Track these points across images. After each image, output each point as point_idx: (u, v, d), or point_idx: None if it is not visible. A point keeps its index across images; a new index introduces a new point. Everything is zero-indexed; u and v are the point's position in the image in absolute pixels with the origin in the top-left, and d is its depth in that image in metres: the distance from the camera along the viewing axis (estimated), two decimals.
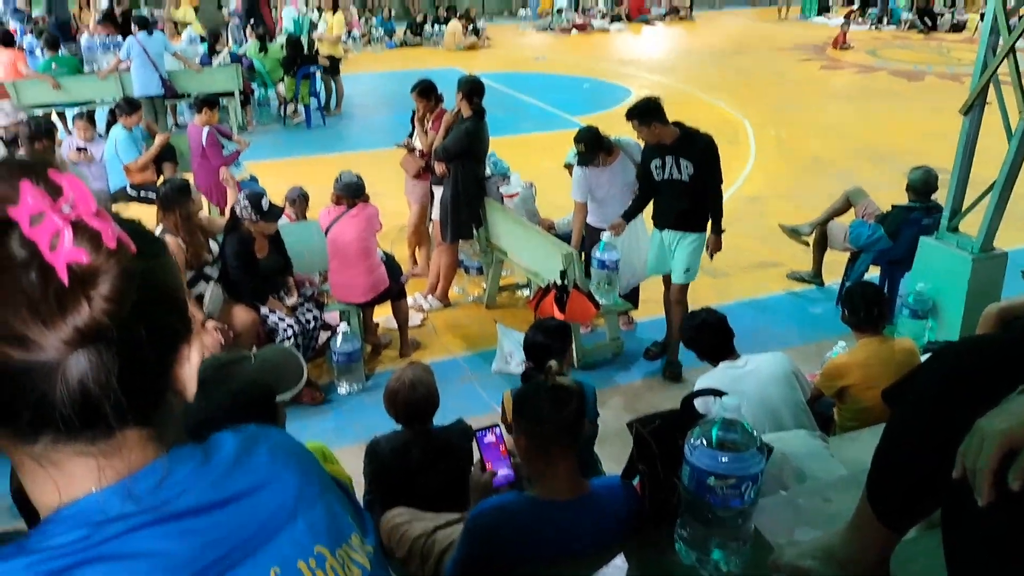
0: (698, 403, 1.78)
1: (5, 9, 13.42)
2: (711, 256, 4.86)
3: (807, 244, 6.18)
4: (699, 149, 4.61)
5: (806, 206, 6.98)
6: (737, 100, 12.13)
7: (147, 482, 0.72)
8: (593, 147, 5.04)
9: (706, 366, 3.50)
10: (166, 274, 0.72)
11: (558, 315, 4.54)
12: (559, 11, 18.93)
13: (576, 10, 19.47)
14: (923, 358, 3.44)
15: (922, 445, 1.15)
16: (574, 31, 18.47)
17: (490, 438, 2.22)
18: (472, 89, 5.45)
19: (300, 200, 5.87)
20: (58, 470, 0.69)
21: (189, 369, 0.75)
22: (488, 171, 5.90)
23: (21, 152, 5.97)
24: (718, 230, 4.78)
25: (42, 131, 6.14)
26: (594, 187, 5.20)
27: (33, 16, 13.64)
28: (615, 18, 19.50)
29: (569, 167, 5.86)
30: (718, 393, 1.63)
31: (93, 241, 0.64)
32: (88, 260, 0.63)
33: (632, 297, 5.41)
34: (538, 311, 4.74)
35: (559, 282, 4.73)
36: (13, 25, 11.64)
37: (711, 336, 3.40)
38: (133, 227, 0.70)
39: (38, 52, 10.59)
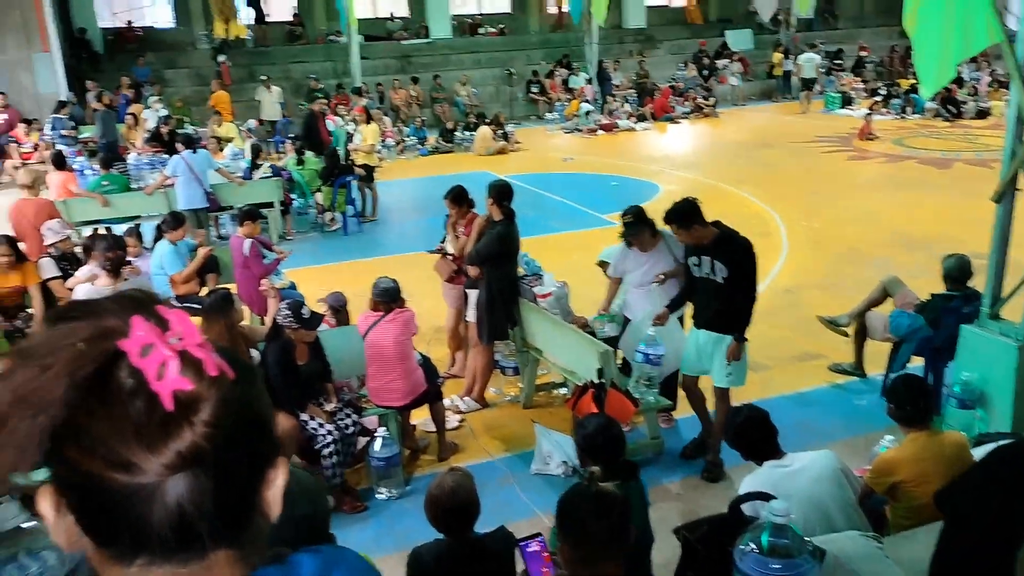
0: (746, 507, 1.75)
1: (53, 135, 14.15)
2: (727, 361, 4.74)
3: (846, 335, 6.11)
4: (735, 252, 4.61)
5: (842, 296, 6.94)
6: (765, 192, 12.24)
7: None
8: (640, 220, 5.18)
9: (749, 464, 3.42)
10: (258, 400, 0.76)
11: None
12: (586, 113, 19.45)
13: (602, 112, 20.00)
14: (974, 451, 3.35)
15: (984, 554, 1.12)
16: (600, 132, 18.95)
17: (534, 547, 2.19)
18: (501, 193, 5.59)
19: (343, 310, 5.95)
20: None
21: (274, 492, 0.77)
22: (521, 271, 5.99)
23: (92, 264, 6.20)
24: (741, 337, 4.71)
25: (117, 243, 6.42)
26: (630, 268, 5.31)
27: (81, 138, 14.37)
28: (640, 118, 20.00)
29: (603, 264, 5.94)
30: (766, 496, 1.60)
31: (196, 370, 0.68)
32: (192, 387, 0.67)
33: (669, 393, 5.36)
34: (576, 410, 4.71)
35: (596, 380, 4.71)
36: (64, 148, 12.25)
37: (755, 434, 3.33)
38: (229, 355, 0.74)
39: (88, 172, 11.09)
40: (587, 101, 20.19)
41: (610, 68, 21.80)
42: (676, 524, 2.73)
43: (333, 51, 20.96)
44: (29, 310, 6.17)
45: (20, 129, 14.64)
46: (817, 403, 5.80)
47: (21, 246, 6.60)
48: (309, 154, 11.94)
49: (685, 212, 4.60)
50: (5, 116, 15.00)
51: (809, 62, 21.36)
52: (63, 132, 14.21)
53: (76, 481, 0.67)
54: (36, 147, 14.11)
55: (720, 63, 23.43)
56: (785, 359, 6.41)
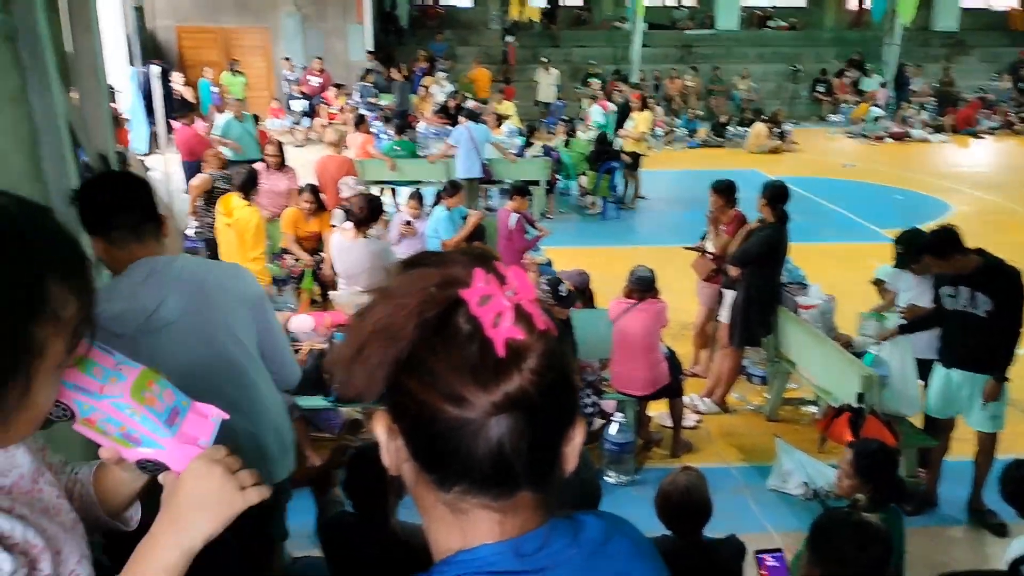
0: None
1: (360, 101, 15.64)
2: (984, 402, 4.25)
3: None
4: (1002, 284, 4.11)
5: None
6: None
7: (533, 544, 0.80)
8: (910, 251, 4.75)
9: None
10: (569, 360, 0.81)
11: (849, 440, 4.21)
12: (875, 119, 18.02)
13: (894, 118, 18.41)
14: None
15: None
16: (889, 139, 17.50)
17: (772, 563, 2.10)
18: (776, 194, 5.37)
19: (586, 291, 6.01)
20: (467, 518, 0.79)
21: (573, 448, 0.82)
22: (784, 278, 5.72)
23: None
24: (1002, 376, 4.20)
25: (371, 203, 6.91)
26: (901, 289, 4.94)
27: (382, 105, 15.77)
28: (938, 128, 18.19)
29: (878, 283, 5.52)
30: None
31: (528, 323, 0.75)
32: (523, 337, 0.73)
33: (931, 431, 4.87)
34: (828, 433, 4.44)
35: (855, 404, 4.40)
36: (365, 111, 13.53)
37: None
38: (551, 315, 0.79)
39: (383, 136, 12.16)
40: (878, 105, 18.69)
41: (910, 72, 20.00)
42: (921, 569, 2.52)
43: (615, 37, 21.16)
44: (322, 254, 6.91)
45: (331, 92, 16.35)
46: None
47: (322, 197, 7.40)
48: (578, 137, 12.21)
49: (943, 241, 4.16)
50: (320, 79, 16.83)
51: None
52: (368, 100, 15.70)
53: (411, 409, 0.75)
54: (342, 109, 15.70)
55: None
56: None
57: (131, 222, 2.22)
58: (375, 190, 10.12)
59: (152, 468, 1.13)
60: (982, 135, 18.29)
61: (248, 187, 6.10)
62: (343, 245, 5.84)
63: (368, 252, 5.72)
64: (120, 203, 2.22)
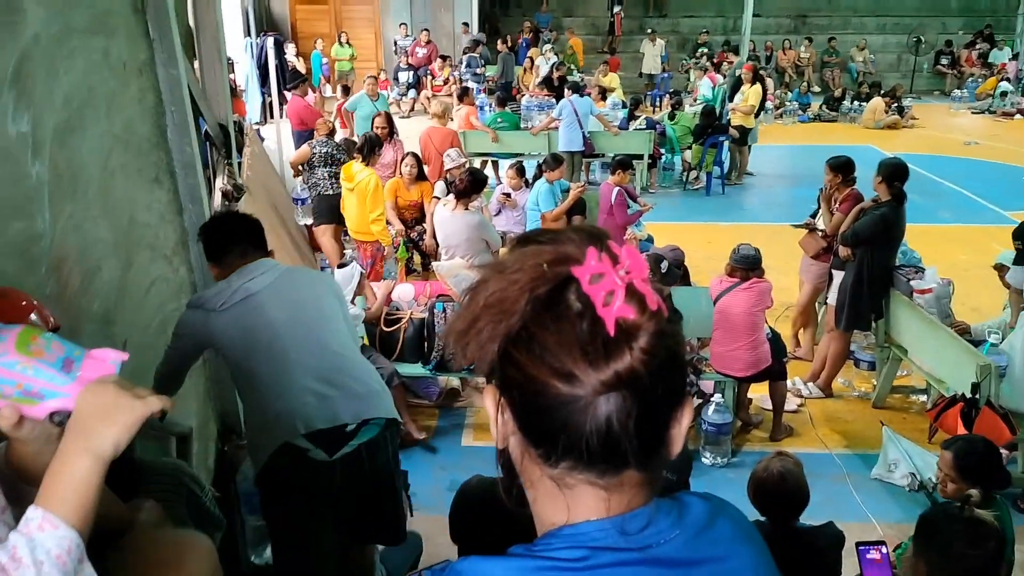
0: None
1: (467, 71, 15.73)
2: None
3: None
4: None
5: None
6: None
7: (637, 523, 0.81)
8: None
9: None
10: (680, 341, 0.81)
11: (962, 433, 4.02)
12: (1002, 94, 16.88)
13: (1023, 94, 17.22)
14: None
15: None
16: (1018, 116, 16.38)
17: (874, 555, 2.04)
18: (894, 172, 5.12)
19: (681, 267, 5.89)
20: (572, 493, 0.80)
21: (679, 430, 0.82)
22: (897, 260, 5.47)
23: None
24: None
25: (474, 175, 6.93)
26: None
27: (487, 76, 15.82)
28: None
29: (999, 268, 5.22)
30: None
31: (639, 302, 0.74)
32: (634, 317, 0.74)
33: None
34: (939, 423, 4.25)
35: (969, 395, 4.19)
36: (471, 83, 13.60)
37: None
38: (664, 296, 0.79)
39: (487, 108, 12.22)
40: (1007, 80, 17.49)
41: None
42: None
43: (726, 6, 20.48)
44: (424, 225, 7.03)
45: (436, 64, 16.51)
46: None
47: (425, 168, 7.51)
48: (685, 110, 11.93)
49: None
50: (426, 50, 17.01)
51: None
52: (475, 70, 15.77)
53: (520, 384, 0.76)
54: (447, 81, 15.84)
55: None
56: None
57: (240, 255, 2.77)
58: (477, 162, 10.22)
59: (61, 421, 1.14)
60: None
61: (369, 153, 6.34)
62: (444, 217, 5.93)
63: (467, 224, 5.79)
64: (232, 241, 2.79)
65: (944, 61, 19.28)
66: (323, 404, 2.62)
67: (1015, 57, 18.36)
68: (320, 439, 2.62)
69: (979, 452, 2.88)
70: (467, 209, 5.84)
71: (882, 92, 15.95)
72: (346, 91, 11.93)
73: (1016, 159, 12.93)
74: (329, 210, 6.95)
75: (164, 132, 3.10)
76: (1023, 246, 4.53)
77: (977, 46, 19.23)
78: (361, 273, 4.97)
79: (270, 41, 10.42)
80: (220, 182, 4.03)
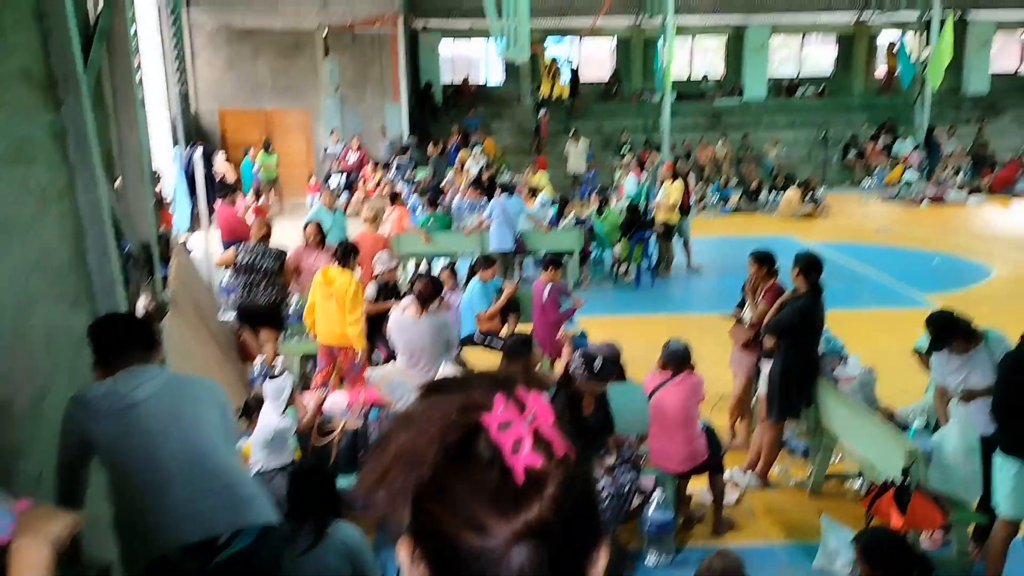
0: None
1: (397, 175, 16.00)
2: None
3: None
4: None
5: None
6: None
7: None
8: (942, 334, 4.60)
9: None
10: (590, 482, 0.81)
11: (896, 519, 4.08)
12: (907, 184, 17.92)
13: (929, 180, 18.28)
14: None
15: None
16: (925, 202, 17.37)
17: None
18: (809, 265, 5.33)
19: (617, 363, 5.94)
20: None
21: (597, 571, 0.81)
22: (820, 349, 5.63)
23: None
24: None
25: (433, 283, 6.86)
26: (946, 373, 4.72)
27: (417, 179, 16.09)
28: (974, 190, 18.03)
29: (919, 353, 5.41)
30: None
31: (547, 449, 0.75)
32: (542, 464, 0.73)
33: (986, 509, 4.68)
34: (873, 510, 4.30)
35: (900, 480, 4.27)
36: (401, 187, 13.79)
37: None
38: (569, 436, 0.79)
39: (419, 209, 12.37)
40: (912, 168, 18.60)
41: (941, 135, 19.94)
42: None
43: (646, 109, 21.48)
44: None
45: (368, 168, 16.76)
46: None
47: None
48: (611, 207, 12.30)
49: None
50: (358, 155, 17.28)
51: None
52: (404, 174, 16.06)
53: (433, 535, 0.75)
54: (379, 184, 16.05)
55: None
56: None
57: (128, 358, 2.77)
58: (410, 264, 10.25)
59: None
60: (1021, 195, 18.07)
61: (344, 257, 6.36)
62: (406, 323, 5.90)
63: (431, 327, 5.81)
64: (122, 345, 2.79)
65: (851, 154, 20.44)
66: (197, 516, 2.65)
67: (917, 147, 19.58)
68: (194, 551, 2.65)
69: (884, 543, 2.96)
70: (428, 312, 5.86)
71: (797, 183, 16.74)
72: (257, 195, 12.55)
73: (925, 244, 13.63)
74: (247, 316, 7.00)
75: (84, 255, 3.05)
76: (934, 335, 4.66)
77: (881, 138, 20.48)
78: (293, 384, 4.87)
79: (199, 151, 10.45)
80: (142, 302, 3.95)
